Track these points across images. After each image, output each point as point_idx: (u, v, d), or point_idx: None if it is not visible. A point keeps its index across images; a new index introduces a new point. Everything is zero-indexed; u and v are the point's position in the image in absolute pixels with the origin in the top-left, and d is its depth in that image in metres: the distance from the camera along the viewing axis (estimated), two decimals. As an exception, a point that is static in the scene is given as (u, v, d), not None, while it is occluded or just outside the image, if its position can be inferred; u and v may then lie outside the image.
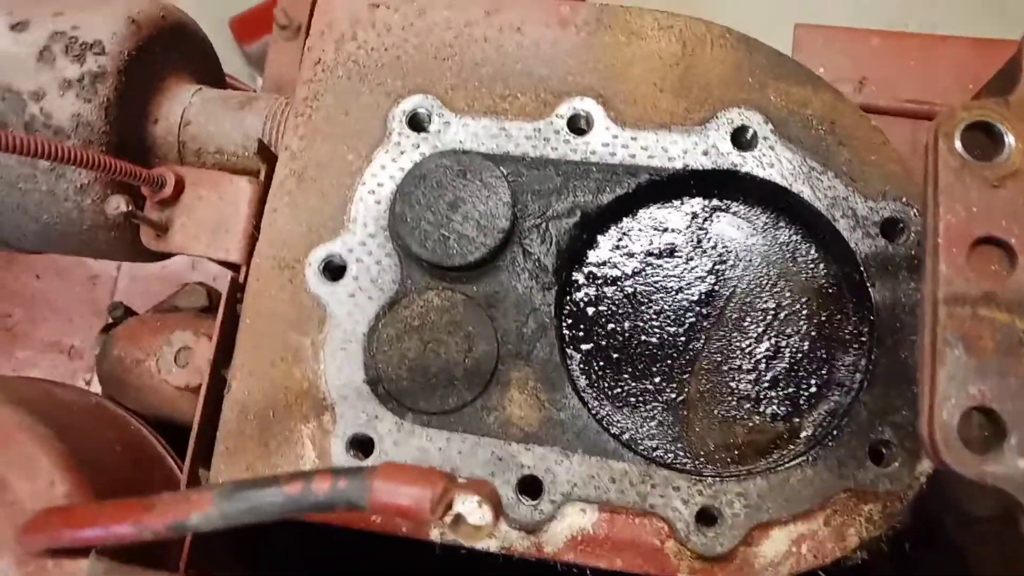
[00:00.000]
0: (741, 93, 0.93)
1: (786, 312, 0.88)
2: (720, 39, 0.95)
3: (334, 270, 0.91)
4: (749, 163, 0.90)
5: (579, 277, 0.89)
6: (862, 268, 0.87)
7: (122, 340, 1.08)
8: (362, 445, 0.86)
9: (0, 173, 0.98)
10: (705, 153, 0.91)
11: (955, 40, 1.64)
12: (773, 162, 0.90)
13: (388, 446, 0.85)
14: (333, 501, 0.51)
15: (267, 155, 0.97)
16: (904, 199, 0.89)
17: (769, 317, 0.88)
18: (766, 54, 0.95)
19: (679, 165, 0.90)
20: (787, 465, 0.83)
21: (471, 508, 0.52)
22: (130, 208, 0.88)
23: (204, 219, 0.95)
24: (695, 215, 0.91)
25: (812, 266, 0.90)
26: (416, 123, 0.94)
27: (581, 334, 0.88)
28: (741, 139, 0.91)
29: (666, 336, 0.88)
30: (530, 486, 0.84)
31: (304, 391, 0.88)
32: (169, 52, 1.07)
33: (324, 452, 0.86)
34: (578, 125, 0.93)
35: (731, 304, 0.89)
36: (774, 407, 0.85)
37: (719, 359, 0.88)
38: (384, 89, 0.96)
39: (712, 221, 0.91)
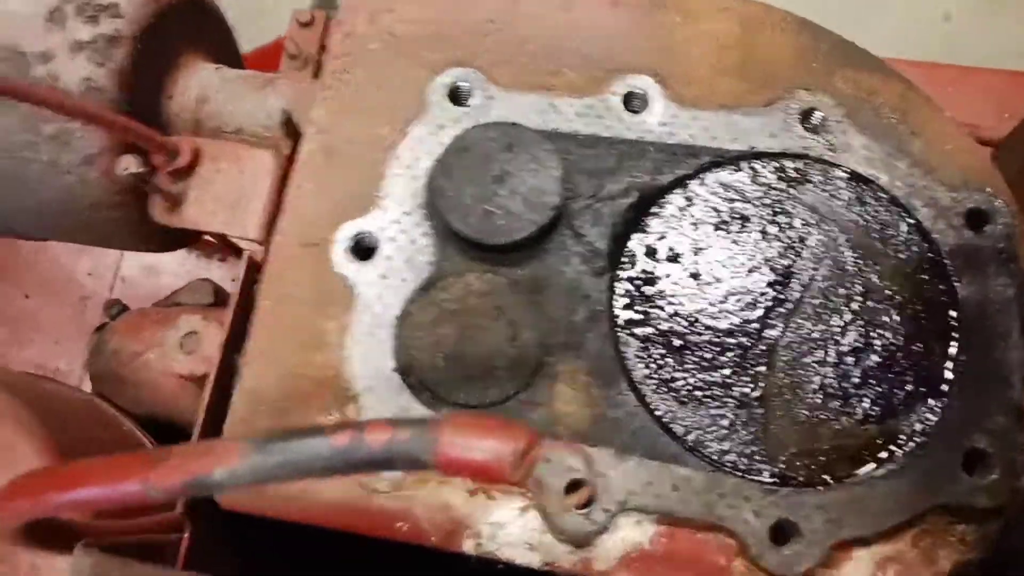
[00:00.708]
0: (807, 78, 0.87)
1: (876, 298, 0.79)
2: (781, 22, 0.89)
3: (363, 250, 0.82)
4: (819, 147, 0.83)
5: (636, 251, 0.80)
6: (946, 261, 0.79)
7: (120, 333, 0.98)
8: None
9: (-2, 141, 0.90)
10: (772, 136, 0.84)
11: (991, 72, 1.60)
12: (846, 146, 0.83)
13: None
14: (391, 456, 0.41)
15: (292, 130, 0.89)
16: (988, 189, 0.82)
17: (856, 303, 0.79)
18: (831, 40, 0.89)
19: (743, 147, 0.83)
20: (872, 475, 0.74)
21: (560, 470, 0.43)
22: (141, 170, 0.79)
23: (221, 193, 0.87)
24: (770, 185, 0.82)
25: (903, 247, 0.80)
26: (457, 97, 0.87)
27: (638, 317, 0.79)
28: (810, 122, 0.84)
29: (737, 322, 0.78)
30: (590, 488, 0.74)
31: (326, 379, 0.79)
32: (188, 25, 1.00)
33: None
34: (633, 103, 0.85)
35: (812, 287, 0.80)
36: (865, 408, 0.76)
37: (800, 350, 0.78)
38: (422, 62, 0.89)
39: (790, 191, 0.82)
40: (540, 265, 0.80)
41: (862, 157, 0.83)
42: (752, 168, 0.82)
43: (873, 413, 0.76)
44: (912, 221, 0.80)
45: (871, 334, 0.78)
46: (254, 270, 0.85)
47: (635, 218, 0.82)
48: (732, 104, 0.85)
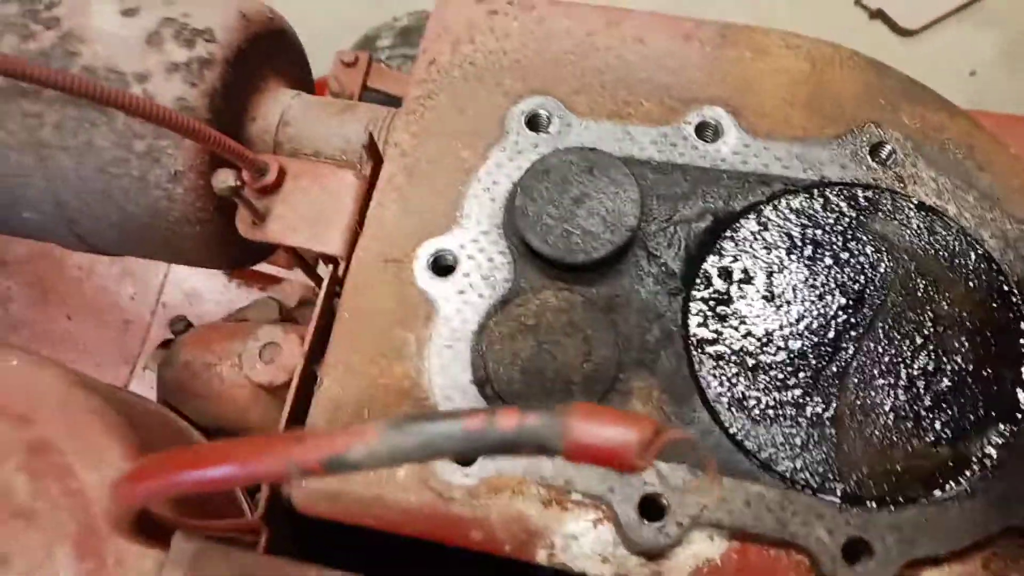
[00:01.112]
0: (875, 112, 0.90)
1: (946, 323, 0.81)
2: (849, 60, 0.93)
3: (443, 266, 0.85)
4: (889, 178, 0.86)
5: (710, 273, 0.83)
6: (1015, 289, 0.81)
7: (191, 345, 1.01)
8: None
9: (90, 157, 0.94)
10: (842, 167, 0.86)
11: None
12: (915, 178, 0.86)
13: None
14: (521, 439, 0.43)
15: (374, 152, 0.93)
16: (1054, 223, 0.84)
17: (927, 328, 0.81)
18: (897, 78, 0.92)
19: (814, 176, 0.86)
20: (944, 497, 0.75)
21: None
22: (236, 184, 0.83)
23: (305, 210, 0.90)
24: (841, 212, 0.84)
25: (972, 276, 0.82)
26: (535, 124, 0.90)
27: (711, 336, 0.81)
28: (879, 155, 0.87)
29: (810, 342, 0.80)
30: (653, 506, 0.76)
31: (404, 389, 0.81)
32: (273, 53, 1.05)
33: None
34: (707, 133, 0.89)
35: (883, 310, 0.82)
36: (937, 430, 0.77)
37: (872, 372, 0.80)
38: (502, 90, 0.92)
39: (861, 218, 0.84)
40: (615, 284, 0.83)
41: (931, 189, 0.86)
42: (824, 196, 0.84)
43: (945, 435, 0.77)
44: (981, 251, 0.82)
45: (942, 358, 0.79)
46: (336, 283, 0.87)
47: (709, 241, 0.84)
48: (803, 136, 0.88)
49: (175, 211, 0.95)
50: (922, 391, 0.78)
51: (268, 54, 1.04)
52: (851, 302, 0.82)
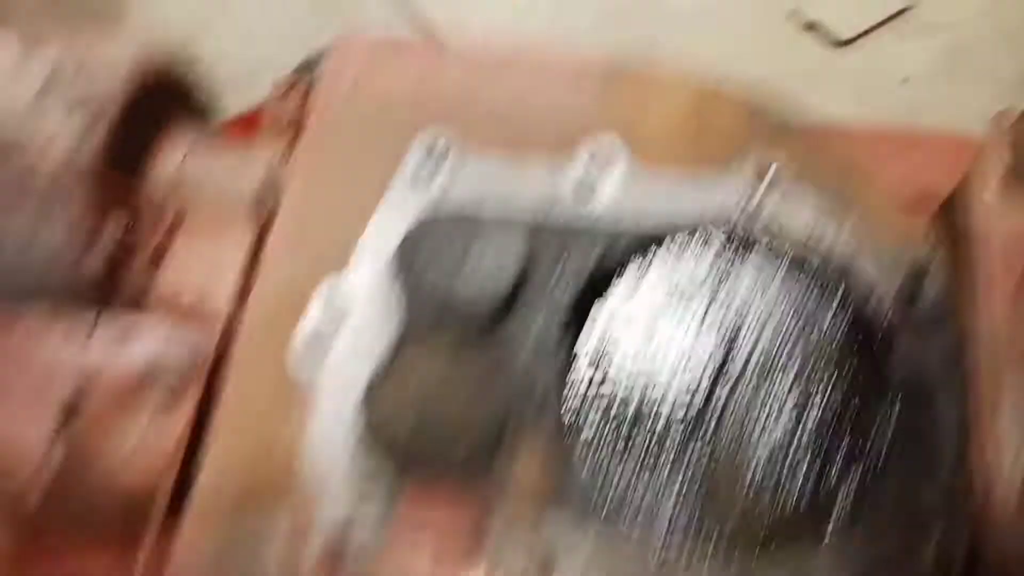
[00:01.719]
0: (752, 148, 0.91)
1: (816, 368, 0.83)
2: (728, 98, 0.95)
3: (333, 319, 0.85)
4: (769, 209, 0.88)
5: (596, 320, 0.84)
6: (884, 322, 0.83)
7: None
8: (351, 526, 0.78)
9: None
10: (725, 202, 0.88)
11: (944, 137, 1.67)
12: (795, 211, 0.88)
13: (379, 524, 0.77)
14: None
15: (266, 201, 0.93)
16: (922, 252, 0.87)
17: (793, 373, 0.83)
18: (775, 115, 0.94)
19: (698, 212, 0.88)
20: (811, 546, 0.76)
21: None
22: (123, 234, 0.82)
23: (195, 262, 0.90)
24: (716, 254, 0.87)
25: (835, 317, 0.85)
26: (432, 163, 0.91)
27: (594, 388, 0.82)
28: (760, 187, 0.89)
29: (684, 394, 0.82)
30: (545, 563, 0.76)
31: (288, 456, 0.80)
32: (170, 99, 1.04)
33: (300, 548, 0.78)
34: (596, 170, 0.90)
35: (754, 358, 0.84)
36: (802, 481, 0.79)
37: (742, 421, 0.81)
38: (399, 129, 0.92)
39: (735, 260, 0.87)
40: (503, 340, 0.83)
41: (809, 218, 0.87)
42: (702, 237, 0.86)
43: (811, 486, 0.79)
44: (849, 290, 0.85)
45: (810, 405, 0.81)
46: (224, 342, 0.87)
47: (593, 288, 0.85)
48: (688, 172, 0.90)
49: (68, 255, 0.94)
50: (790, 440, 0.80)
51: (165, 100, 1.03)
52: (724, 348, 0.84)
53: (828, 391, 0.83)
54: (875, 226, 0.87)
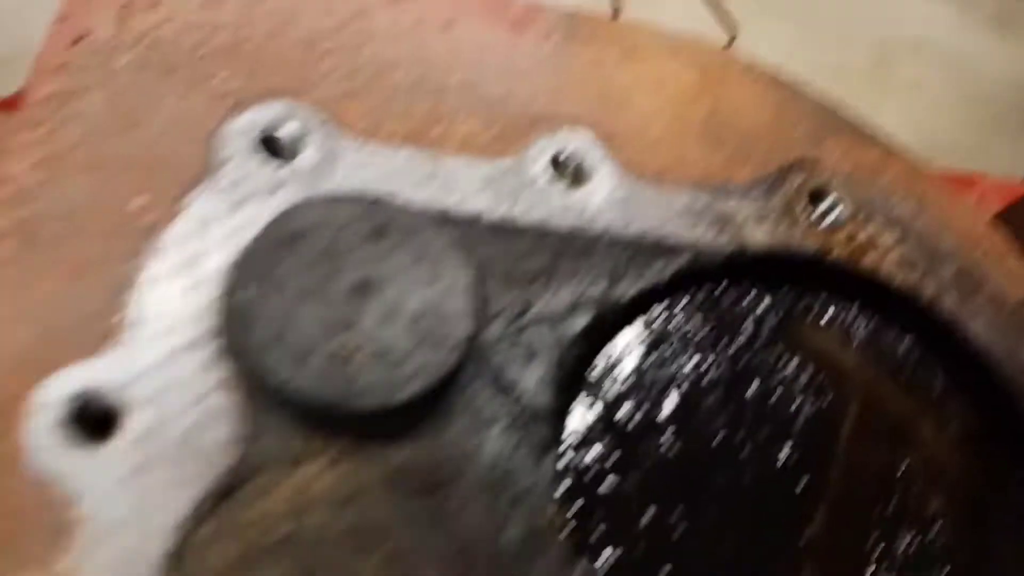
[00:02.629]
0: (794, 149, 0.61)
1: (922, 484, 0.52)
2: (748, 74, 0.64)
3: (94, 422, 0.43)
4: (837, 247, 0.56)
5: (584, 417, 0.48)
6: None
7: None
8: None
9: None
10: (769, 228, 0.56)
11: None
12: (872, 245, 0.57)
13: None
14: None
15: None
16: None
17: (899, 493, 0.52)
18: (812, 100, 0.64)
19: (731, 242, 0.54)
20: None
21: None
22: None
23: None
24: (762, 316, 0.54)
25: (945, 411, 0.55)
26: (276, 147, 0.51)
27: (598, 532, 0.46)
28: (816, 209, 0.58)
29: (747, 532, 0.48)
30: None
31: None
32: None
33: None
34: (565, 171, 0.54)
35: (836, 474, 0.51)
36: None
37: (837, 570, 0.49)
38: (212, 89, 0.52)
39: (789, 326, 0.54)
40: (440, 439, 0.45)
41: (895, 261, 0.57)
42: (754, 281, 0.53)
43: None
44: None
45: (918, 523, 0.51)
46: None
47: (589, 352, 0.49)
48: (706, 180, 0.57)
49: None
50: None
51: None
52: (794, 452, 0.50)
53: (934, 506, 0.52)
54: (983, 274, 0.59)
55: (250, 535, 0.40)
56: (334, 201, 0.47)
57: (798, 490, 0.50)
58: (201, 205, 0.48)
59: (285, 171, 0.50)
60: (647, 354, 0.52)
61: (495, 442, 0.45)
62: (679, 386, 0.52)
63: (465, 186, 0.52)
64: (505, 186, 0.52)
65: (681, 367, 0.52)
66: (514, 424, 0.46)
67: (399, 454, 0.44)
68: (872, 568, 0.50)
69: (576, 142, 0.54)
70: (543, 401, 0.47)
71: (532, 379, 0.47)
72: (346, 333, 0.43)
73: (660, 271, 0.52)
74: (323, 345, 0.43)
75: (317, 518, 0.41)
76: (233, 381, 0.44)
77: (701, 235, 0.54)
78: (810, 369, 0.54)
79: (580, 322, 0.49)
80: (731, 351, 0.53)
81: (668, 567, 0.46)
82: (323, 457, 0.43)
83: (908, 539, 0.51)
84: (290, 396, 0.42)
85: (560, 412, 0.48)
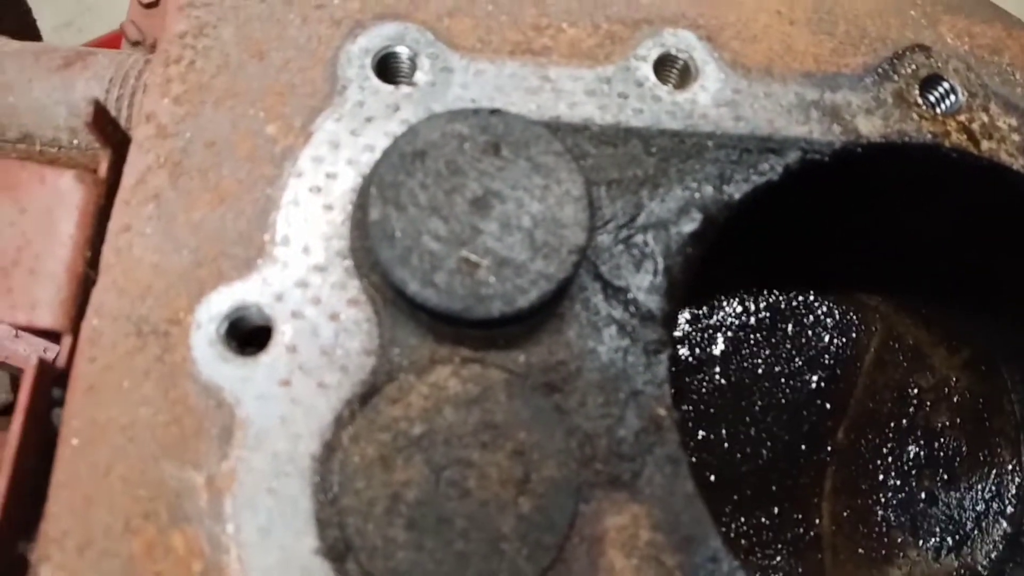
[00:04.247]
0: (907, 31, 0.59)
1: (932, 402, 0.53)
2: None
3: (246, 336, 0.48)
4: (954, 134, 0.55)
5: (716, 308, 0.50)
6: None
7: None
8: None
9: None
10: (883, 117, 0.55)
11: None
12: (990, 130, 0.55)
13: None
14: None
15: (111, 133, 0.53)
16: None
17: (911, 409, 0.52)
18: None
19: (845, 137, 0.54)
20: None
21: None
22: None
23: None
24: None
25: (957, 340, 0.55)
26: (391, 70, 0.53)
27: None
28: (931, 95, 0.56)
29: (781, 445, 0.50)
30: None
31: (194, 582, 0.44)
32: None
33: None
34: (671, 73, 0.55)
35: (858, 395, 0.52)
36: (937, 535, 0.49)
37: (855, 473, 0.50)
38: (330, 14, 0.55)
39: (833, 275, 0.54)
40: (556, 344, 0.48)
41: (1013, 145, 0.55)
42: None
43: (947, 542, 0.49)
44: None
45: (933, 445, 0.52)
46: (51, 381, 0.48)
47: (698, 255, 0.51)
48: (815, 71, 0.56)
49: None
50: (916, 489, 0.50)
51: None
52: (824, 386, 0.52)
53: (956, 425, 0.54)
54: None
55: (387, 437, 0.45)
56: (451, 117, 0.49)
57: (826, 409, 0.52)
58: (329, 128, 0.52)
59: (402, 91, 0.52)
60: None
61: (609, 344, 0.48)
62: (727, 323, 0.53)
63: (573, 93, 0.53)
64: (612, 91, 0.53)
65: (731, 307, 0.53)
66: (626, 327, 0.49)
67: (521, 357, 0.47)
68: (884, 473, 0.52)
69: (680, 42, 0.54)
70: (653, 305, 0.49)
71: (642, 284, 0.49)
72: (468, 244, 0.46)
73: (770, 170, 0.52)
74: (449, 257, 0.46)
75: (447, 419, 0.45)
76: (366, 294, 0.48)
77: (811, 129, 0.54)
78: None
79: (689, 226, 0.50)
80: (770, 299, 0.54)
81: (714, 476, 0.49)
82: (451, 363, 0.47)
83: (916, 449, 0.52)
84: (422, 306, 0.46)
85: (670, 316, 0.50)
